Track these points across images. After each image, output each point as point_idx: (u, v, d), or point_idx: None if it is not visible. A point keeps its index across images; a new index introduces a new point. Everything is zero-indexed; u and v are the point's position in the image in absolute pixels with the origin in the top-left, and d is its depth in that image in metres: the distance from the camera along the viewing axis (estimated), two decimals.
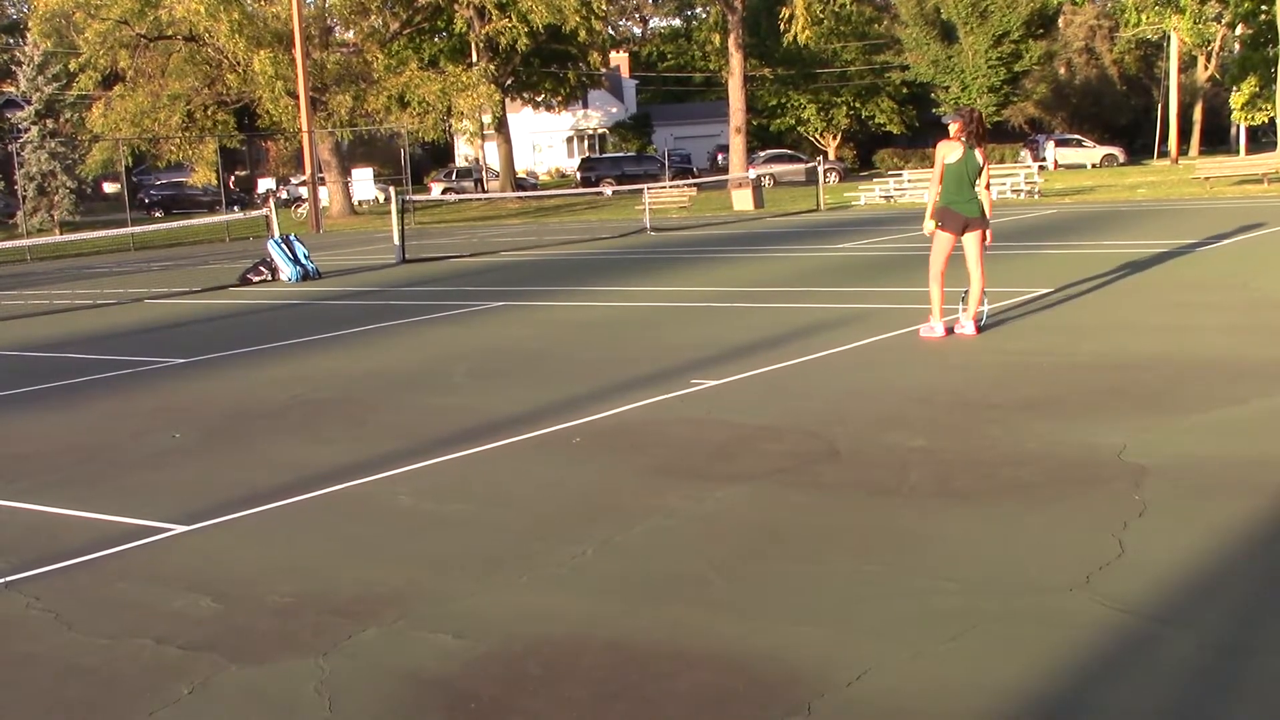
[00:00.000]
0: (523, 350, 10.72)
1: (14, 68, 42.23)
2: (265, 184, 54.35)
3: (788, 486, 5.78)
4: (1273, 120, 40.28)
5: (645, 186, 31.35)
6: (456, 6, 46.61)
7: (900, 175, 37.03)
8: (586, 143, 76.59)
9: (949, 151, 9.87)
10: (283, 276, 19.32)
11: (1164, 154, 58.54)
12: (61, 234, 33.28)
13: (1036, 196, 33.55)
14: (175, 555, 5.28)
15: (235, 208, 42.44)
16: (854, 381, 8.36)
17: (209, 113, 42.52)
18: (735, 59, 48.02)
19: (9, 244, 25.88)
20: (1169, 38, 56.73)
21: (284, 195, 49.45)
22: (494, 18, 45.86)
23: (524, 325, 12.49)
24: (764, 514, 5.37)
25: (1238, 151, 55.03)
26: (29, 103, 39.70)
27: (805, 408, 7.47)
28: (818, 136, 68.00)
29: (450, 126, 46.77)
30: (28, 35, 40.76)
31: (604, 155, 66.57)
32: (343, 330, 12.70)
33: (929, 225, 10.04)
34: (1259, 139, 58.76)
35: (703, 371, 8.79)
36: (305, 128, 37.03)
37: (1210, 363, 8.17)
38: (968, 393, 7.68)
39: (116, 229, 29.17)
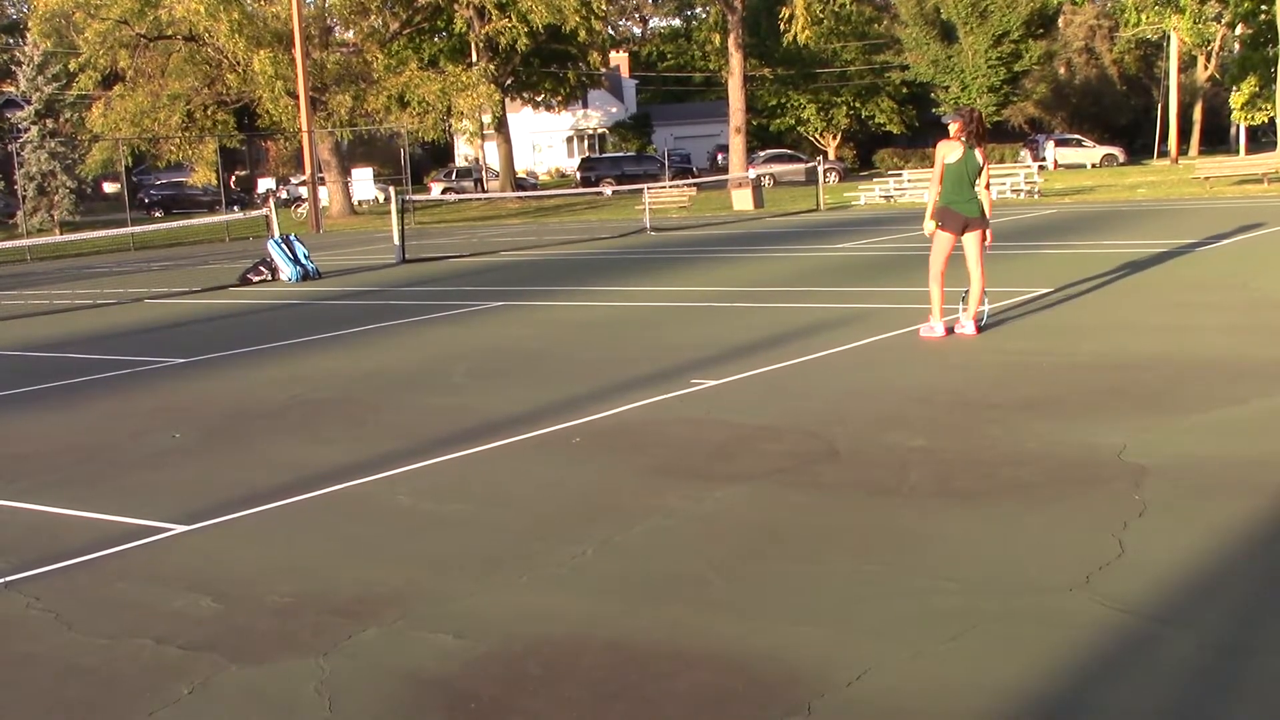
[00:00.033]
0: (523, 350, 10.72)
1: (14, 68, 42.23)
2: (265, 184, 54.34)
3: (787, 486, 5.78)
4: (1273, 120, 40.28)
5: (645, 186, 31.34)
6: (456, 6, 46.61)
7: (900, 175, 37.03)
8: (586, 143, 76.59)
9: (949, 151, 9.87)
10: (283, 276, 19.32)
11: (1164, 154, 58.54)
12: (61, 234, 33.28)
13: (1036, 196, 33.55)
14: (175, 555, 5.28)
15: (235, 208, 42.45)
16: (854, 381, 8.36)
17: (209, 113, 42.53)
18: (735, 59, 48.01)
19: (9, 244, 25.88)
20: (1169, 38, 56.73)
21: (284, 195, 49.44)
22: (494, 18, 45.85)
23: (524, 325, 12.49)
24: (763, 514, 5.37)
25: (1238, 151, 55.03)
26: (29, 103, 39.70)
27: (805, 408, 7.47)
28: (818, 136, 68.00)
29: (450, 126, 46.76)
30: (28, 35, 40.75)
31: (604, 155, 66.56)
32: (343, 330, 12.70)
33: (929, 225, 10.04)
34: (1259, 139, 58.74)
35: (703, 371, 8.79)
36: (305, 128, 37.03)
37: (1210, 363, 8.17)
38: (968, 393, 7.68)
39: (116, 229, 29.17)
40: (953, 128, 9.93)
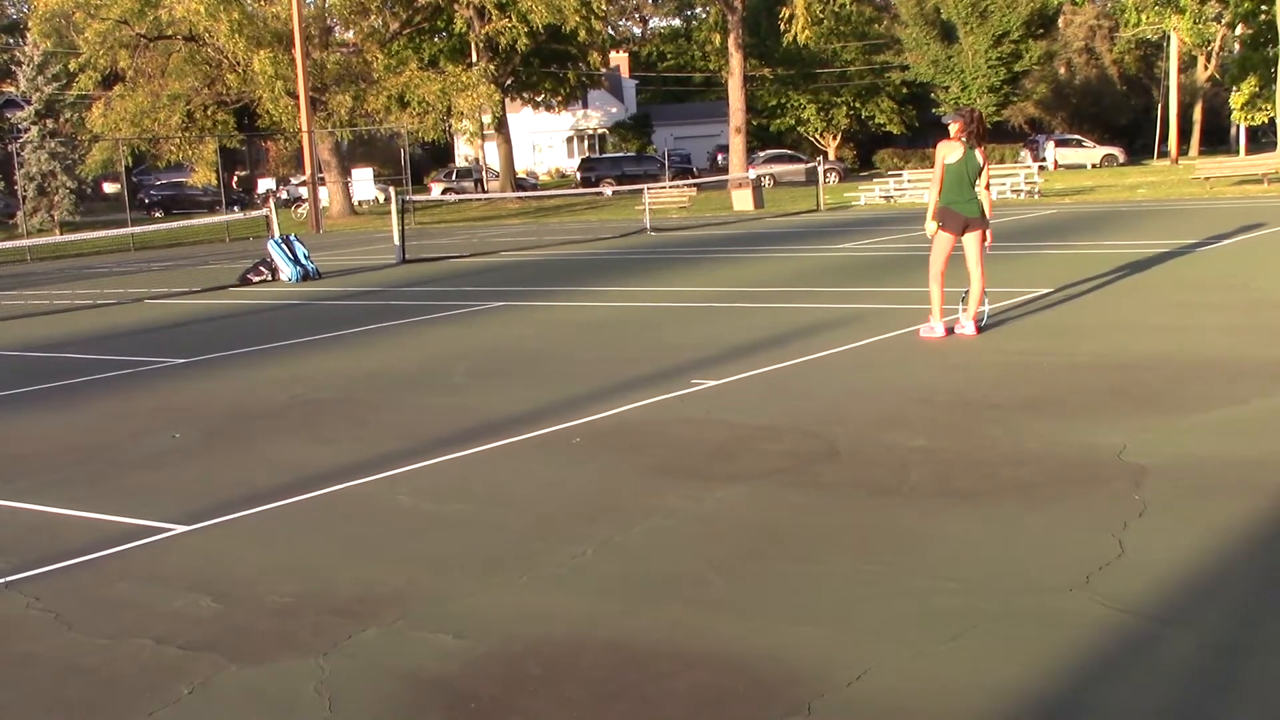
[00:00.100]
0: (523, 350, 10.72)
1: (14, 68, 42.23)
2: (265, 184, 54.36)
3: (787, 486, 5.78)
4: (1273, 120, 40.29)
5: (645, 187, 31.34)
6: (456, 6, 46.61)
7: (900, 175, 37.04)
8: (586, 143, 76.58)
9: (949, 152, 9.87)
10: (283, 276, 19.32)
11: (1164, 154, 58.55)
12: (61, 234, 33.28)
13: (1036, 197, 33.56)
14: (175, 555, 5.28)
15: (235, 208, 42.45)
16: (854, 381, 8.36)
17: (209, 113, 42.53)
18: (735, 59, 48.02)
19: (9, 244, 25.87)
20: (1169, 38, 56.73)
21: (284, 195, 49.46)
22: (494, 18, 45.86)
23: (524, 325, 12.49)
24: (763, 514, 5.37)
25: (1238, 151, 55.04)
26: (29, 103, 39.70)
27: (805, 408, 7.47)
28: (818, 136, 68.00)
29: (450, 126, 46.78)
30: (28, 35, 40.76)
31: (604, 155, 66.56)
32: (343, 330, 12.70)
33: (931, 226, 10.04)
34: (1259, 139, 58.76)
35: (703, 371, 8.79)
36: (305, 128, 37.04)
37: (1210, 363, 8.17)
38: (968, 393, 7.68)
39: (116, 229, 29.16)
40: (953, 128, 9.93)
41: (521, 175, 59.34)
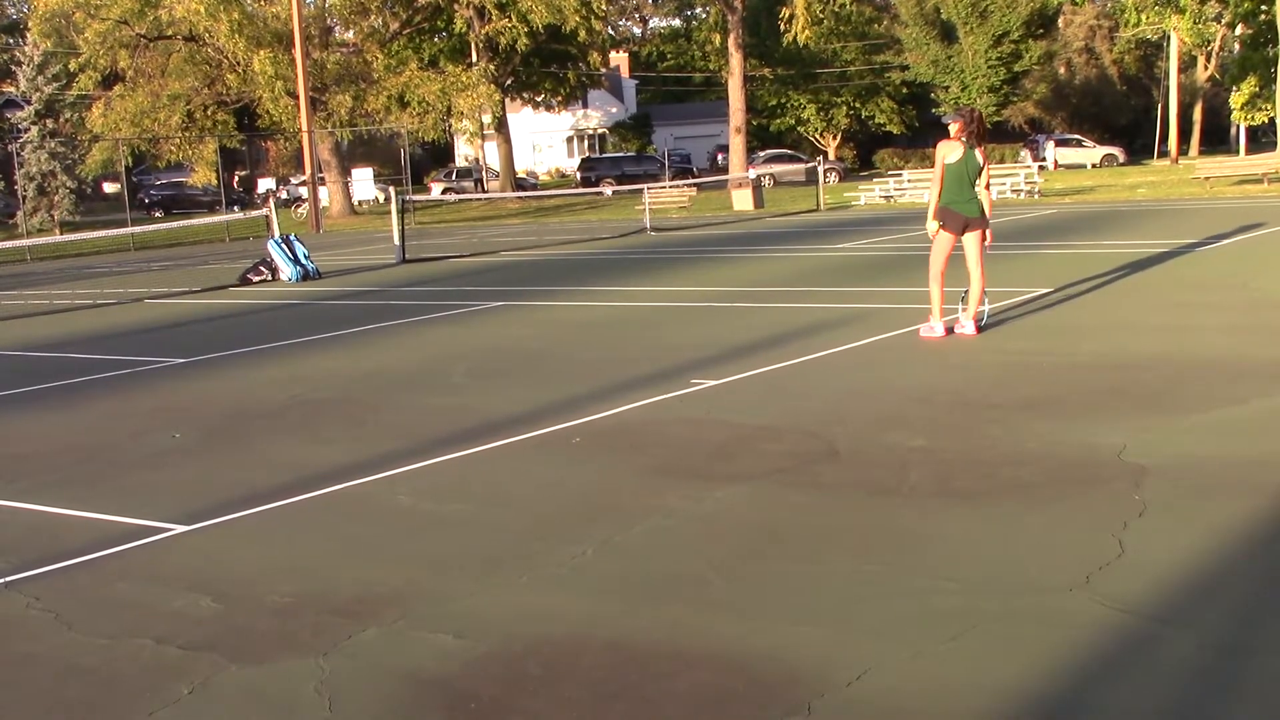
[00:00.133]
0: (523, 350, 10.72)
1: (14, 68, 42.23)
2: (265, 184, 54.36)
3: (787, 486, 5.78)
4: (1273, 120, 40.29)
5: (645, 186, 31.35)
6: (456, 6, 46.61)
7: (900, 175, 37.04)
8: (586, 143, 76.59)
9: (949, 151, 9.87)
10: (283, 276, 19.32)
11: (1164, 154, 58.55)
12: (61, 234, 33.27)
13: (1036, 196, 33.56)
14: (175, 555, 5.28)
15: (235, 208, 42.46)
16: (854, 381, 8.36)
17: (209, 113, 42.53)
18: (735, 59, 48.02)
19: (9, 244, 25.88)
20: (1169, 38, 56.74)
21: (284, 195, 49.47)
22: (494, 18, 45.86)
23: (524, 325, 12.49)
24: (763, 514, 5.37)
25: (1238, 151, 55.04)
26: (29, 103, 39.70)
27: (805, 408, 7.47)
28: (818, 136, 68.00)
29: (450, 126, 46.78)
30: (28, 35, 40.75)
31: (604, 155, 66.57)
32: (343, 330, 12.70)
33: (932, 226, 10.03)
34: (1259, 139, 58.76)
35: (702, 371, 8.79)
36: (305, 128, 37.04)
37: (1210, 363, 8.17)
38: (968, 393, 7.68)
39: (116, 229, 29.17)
40: (953, 128, 9.93)
41: (521, 175, 59.35)
